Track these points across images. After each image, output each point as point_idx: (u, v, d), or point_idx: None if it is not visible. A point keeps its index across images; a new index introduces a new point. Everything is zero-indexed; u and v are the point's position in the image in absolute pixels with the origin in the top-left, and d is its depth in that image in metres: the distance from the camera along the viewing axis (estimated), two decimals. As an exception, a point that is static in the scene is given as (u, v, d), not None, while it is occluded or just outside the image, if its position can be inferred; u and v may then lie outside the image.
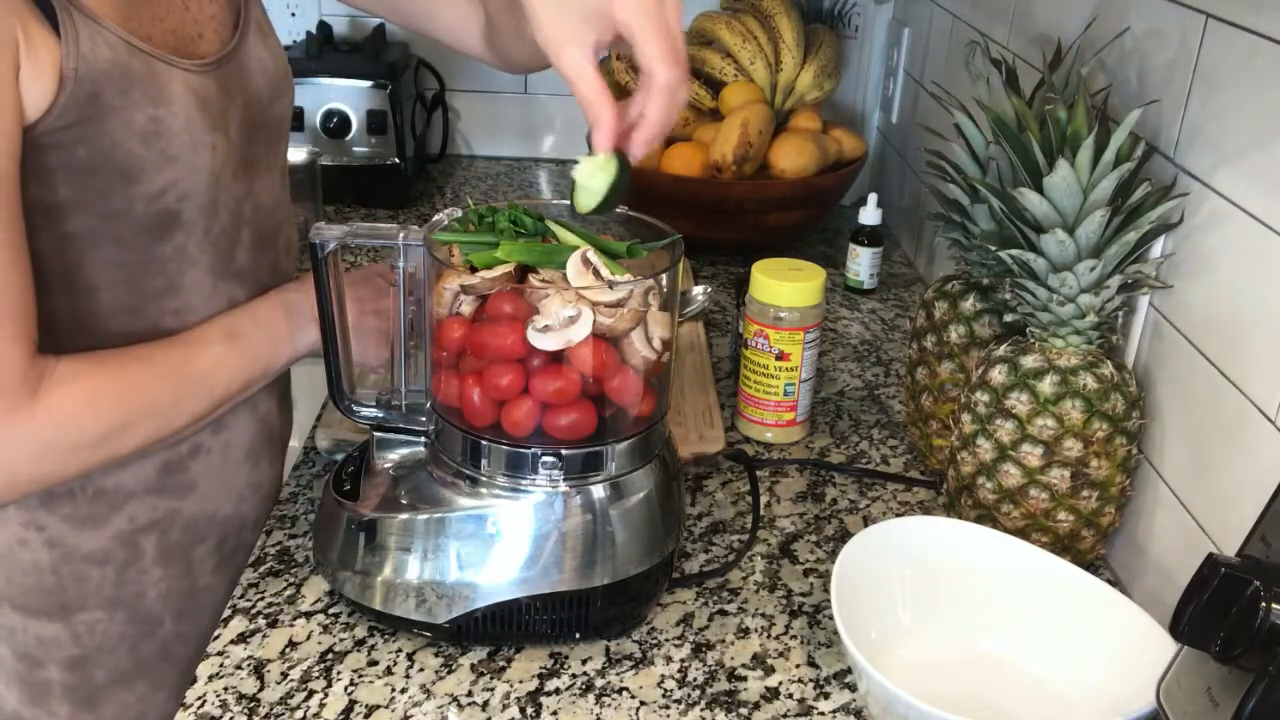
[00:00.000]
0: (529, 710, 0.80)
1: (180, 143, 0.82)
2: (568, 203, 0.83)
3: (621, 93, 1.70)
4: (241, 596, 0.90)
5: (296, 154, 1.59)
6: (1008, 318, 0.97)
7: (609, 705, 0.81)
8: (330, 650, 0.85)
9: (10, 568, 0.90)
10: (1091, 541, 0.95)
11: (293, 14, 1.97)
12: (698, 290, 1.42)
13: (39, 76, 0.74)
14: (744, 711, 0.81)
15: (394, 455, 0.89)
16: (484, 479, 0.83)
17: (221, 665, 0.83)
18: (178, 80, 0.83)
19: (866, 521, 1.04)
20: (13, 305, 0.75)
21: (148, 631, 0.96)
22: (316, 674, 0.83)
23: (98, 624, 0.93)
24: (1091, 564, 0.96)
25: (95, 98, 0.77)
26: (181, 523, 0.95)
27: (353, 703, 0.80)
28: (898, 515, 1.05)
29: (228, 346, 0.89)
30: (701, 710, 0.81)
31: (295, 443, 1.10)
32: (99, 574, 0.92)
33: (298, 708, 0.79)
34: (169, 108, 0.81)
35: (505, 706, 0.80)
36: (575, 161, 0.80)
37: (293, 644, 0.85)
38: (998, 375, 0.94)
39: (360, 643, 0.86)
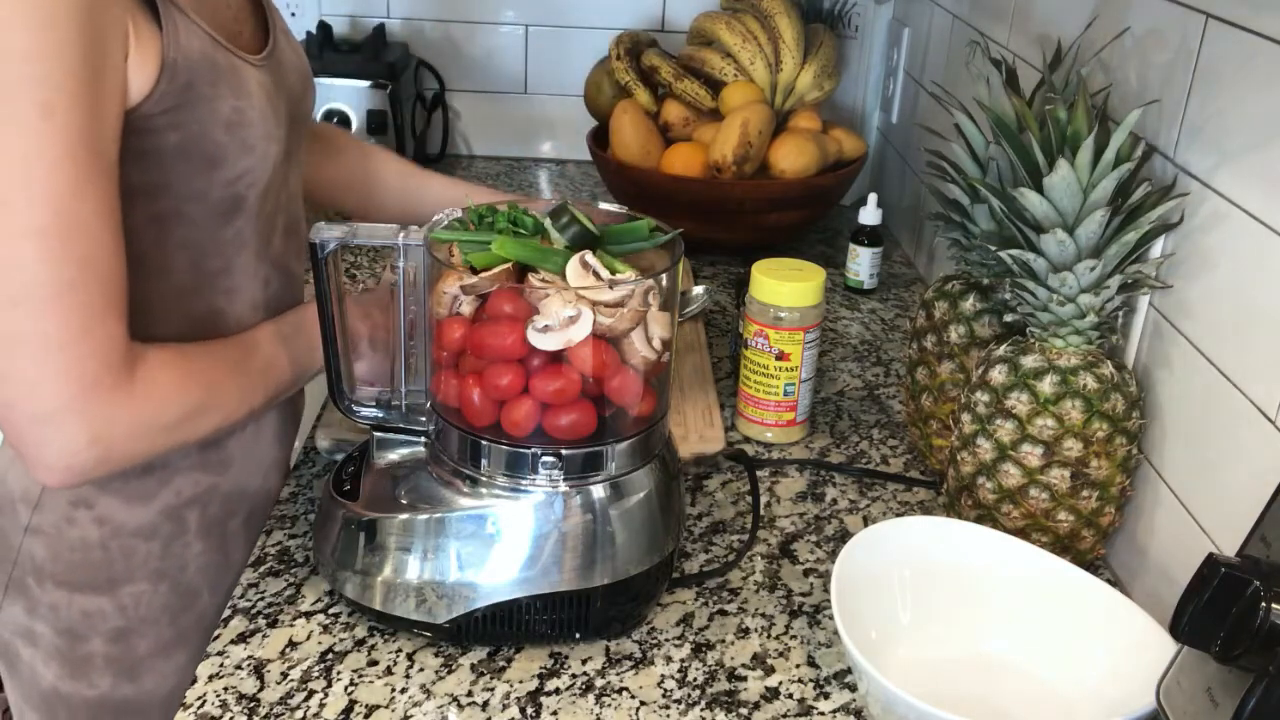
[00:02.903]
0: (529, 710, 0.80)
1: (256, 134, 0.87)
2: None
3: (622, 93, 1.70)
4: (241, 596, 0.90)
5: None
6: (1008, 318, 0.97)
7: (609, 705, 0.81)
8: (330, 650, 0.85)
9: (57, 545, 0.93)
10: (1091, 541, 0.95)
11: (293, 14, 1.97)
12: (698, 290, 1.42)
13: (143, 64, 0.79)
14: (744, 711, 0.81)
15: (394, 455, 0.89)
16: (484, 479, 0.83)
17: (221, 665, 0.83)
18: (250, 74, 0.87)
19: (866, 521, 1.04)
20: (118, 284, 0.78)
21: (188, 603, 0.99)
22: (316, 674, 0.83)
23: (143, 596, 0.96)
24: (1091, 564, 0.96)
25: (189, 86, 0.81)
26: (220, 497, 0.98)
27: (353, 703, 0.80)
28: (898, 515, 1.05)
29: (277, 349, 0.94)
30: (701, 710, 0.81)
31: (296, 443, 1.10)
32: (146, 548, 0.95)
33: (298, 708, 0.79)
34: (249, 100, 0.86)
35: (505, 706, 0.80)
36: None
37: (293, 644, 0.85)
38: (998, 375, 0.94)
39: (360, 643, 0.86)
